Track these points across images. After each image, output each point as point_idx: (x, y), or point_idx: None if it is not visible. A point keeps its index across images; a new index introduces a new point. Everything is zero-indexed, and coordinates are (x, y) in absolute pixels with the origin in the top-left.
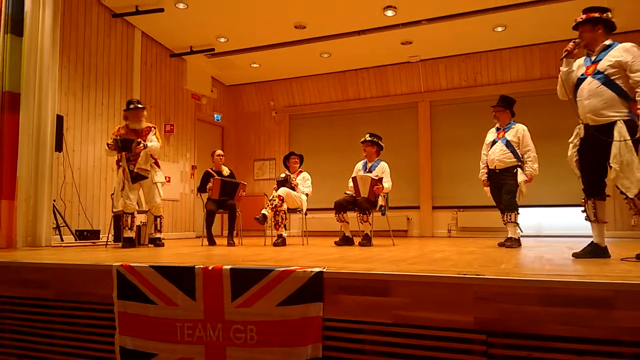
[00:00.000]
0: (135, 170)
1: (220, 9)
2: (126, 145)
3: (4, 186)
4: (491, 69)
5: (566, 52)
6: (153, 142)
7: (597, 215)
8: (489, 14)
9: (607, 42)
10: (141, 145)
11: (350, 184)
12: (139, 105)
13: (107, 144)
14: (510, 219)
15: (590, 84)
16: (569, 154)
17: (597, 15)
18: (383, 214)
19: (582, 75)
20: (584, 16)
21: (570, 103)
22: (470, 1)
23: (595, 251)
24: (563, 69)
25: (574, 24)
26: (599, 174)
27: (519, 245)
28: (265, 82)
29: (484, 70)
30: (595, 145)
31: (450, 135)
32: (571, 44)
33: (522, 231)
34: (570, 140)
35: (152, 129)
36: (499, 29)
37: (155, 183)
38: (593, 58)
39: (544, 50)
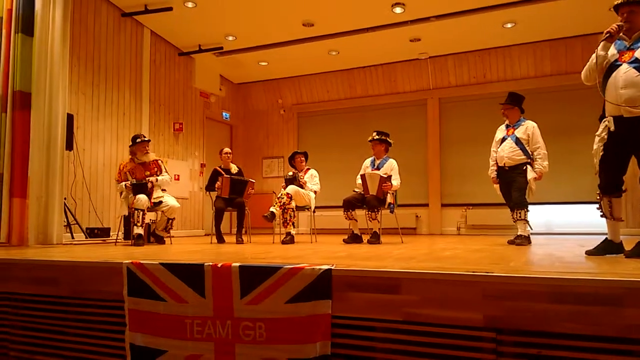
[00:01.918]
0: (152, 201)
1: (229, 8)
2: (141, 189)
3: (15, 185)
4: (500, 65)
5: (608, 34)
6: (164, 176)
7: (613, 213)
8: (499, 10)
9: None
10: (150, 184)
11: (359, 181)
12: (145, 138)
13: (126, 186)
14: (520, 217)
15: (627, 72)
16: (595, 147)
17: None
18: (392, 212)
19: (617, 61)
20: None
21: (599, 88)
22: None
23: (608, 248)
24: (600, 52)
25: (624, 1)
26: (620, 171)
27: (529, 242)
28: (273, 80)
29: (493, 67)
30: (629, 137)
31: (459, 132)
32: (615, 25)
33: (532, 229)
34: (597, 133)
35: (160, 162)
36: (509, 25)
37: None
38: (629, 45)
39: (554, 47)
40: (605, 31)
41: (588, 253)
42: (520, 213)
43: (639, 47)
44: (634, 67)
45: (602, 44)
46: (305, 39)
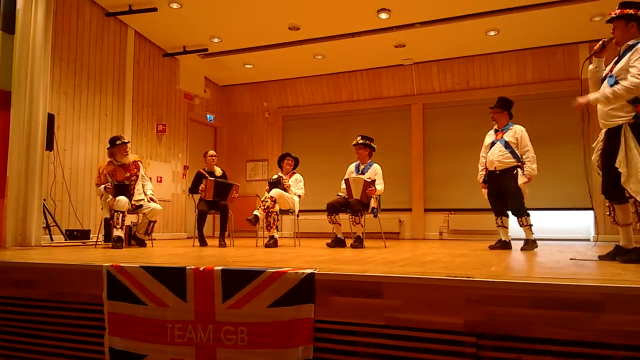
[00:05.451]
0: (133, 204)
1: (214, 9)
2: (123, 190)
3: None
4: (484, 72)
5: (593, 52)
6: (148, 184)
7: (616, 218)
8: (482, 18)
9: (631, 42)
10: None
11: (343, 185)
12: (125, 140)
13: (106, 188)
14: (523, 223)
15: (603, 86)
16: (593, 157)
17: (631, 12)
18: (375, 216)
19: (604, 76)
20: (618, 11)
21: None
22: (463, 5)
23: (618, 254)
24: (590, 67)
25: (608, 17)
26: (617, 178)
27: (536, 246)
28: (258, 83)
29: (476, 74)
30: (609, 149)
31: (443, 138)
32: (599, 44)
33: (508, 240)
34: (593, 145)
35: (140, 163)
36: (492, 33)
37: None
38: (617, 58)
39: (536, 55)
40: (592, 49)
41: (600, 258)
42: (522, 220)
43: (618, 63)
44: (607, 82)
45: (592, 58)
46: (291, 42)
